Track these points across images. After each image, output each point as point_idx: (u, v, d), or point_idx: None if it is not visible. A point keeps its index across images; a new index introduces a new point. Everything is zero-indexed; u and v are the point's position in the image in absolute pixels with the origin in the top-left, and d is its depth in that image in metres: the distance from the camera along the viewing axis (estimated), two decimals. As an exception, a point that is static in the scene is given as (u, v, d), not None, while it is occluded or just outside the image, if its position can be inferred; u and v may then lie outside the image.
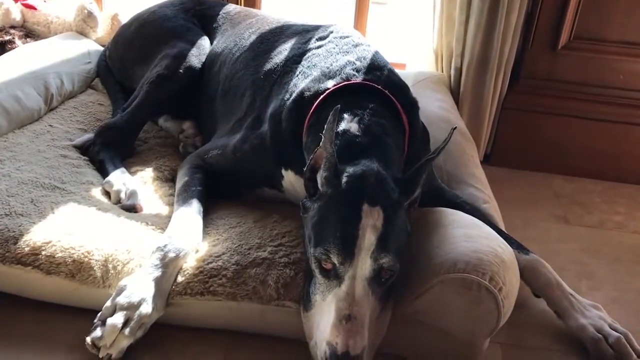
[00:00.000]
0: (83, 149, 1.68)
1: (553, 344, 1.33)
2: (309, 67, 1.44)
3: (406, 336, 1.22)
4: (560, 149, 2.08)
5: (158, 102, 1.77)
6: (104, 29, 2.30)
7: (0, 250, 1.25)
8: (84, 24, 2.20)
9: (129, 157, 1.69)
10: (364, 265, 1.08)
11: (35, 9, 2.27)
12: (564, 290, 1.33)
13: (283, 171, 1.41)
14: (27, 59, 1.92)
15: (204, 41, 1.87)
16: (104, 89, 2.03)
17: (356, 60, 1.41)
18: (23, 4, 2.26)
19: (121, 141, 1.69)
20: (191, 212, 1.35)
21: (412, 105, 1.43)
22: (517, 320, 1.30)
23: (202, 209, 1.38)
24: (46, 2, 2.32)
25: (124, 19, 2.32)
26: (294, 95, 1.37)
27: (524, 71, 2.03)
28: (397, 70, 2.01)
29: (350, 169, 1.16)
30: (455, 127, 1.25)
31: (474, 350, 1.25)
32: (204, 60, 1.82)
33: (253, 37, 1.76)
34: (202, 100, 1.80)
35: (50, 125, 1.77)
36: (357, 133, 1.23)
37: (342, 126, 1.24)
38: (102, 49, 2.16)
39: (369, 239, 1.08)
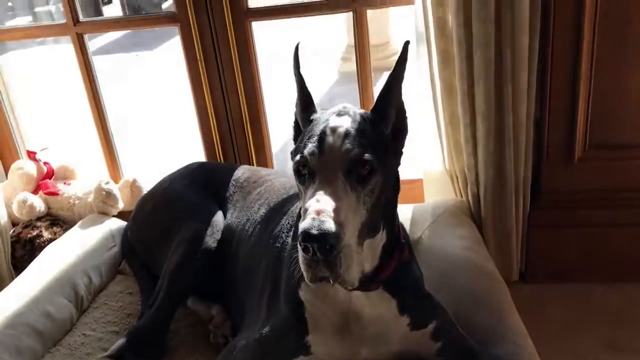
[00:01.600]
0: (117, 356, 1.71)
1: None
2: None
3: None
4: (595, 258, 2.00)
5: (180, 292, 1.78)
6: (123, 199, 2.36)
7: None
8: (104, 205, 2.26)
9: (162, 357, 1.70)
10: (334, 154, 1.14)
11: (57, 194, 2.35)
12: None
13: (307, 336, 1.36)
14: (52, 263, 1.97)
15: (218, 217, 1.88)
16: (131, 271, 2.07)
17: None
18: (45, 193, 2.34)
19: (152, 344, 1.70)
20: None
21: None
22: None
23: None
24: (68, 184, 2.40)
25: (143, 182, 2.39)
26: None
27: (544, 187, 1.97)
28: (413, 205, 1.99)
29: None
30: (408, 41, 1.27)
31: None
32: (219, 237, 1.83)
33: (263, 209, 1.77)
34: (225, 280, 1.80)
35: (83, 335, 1.79)
36: None
37: None
38: (124, 224, 2.20)
39: (337, 135, 1.15)
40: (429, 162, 2.16)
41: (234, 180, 1.99)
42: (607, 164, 1.91)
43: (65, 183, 2.41)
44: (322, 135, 1.17)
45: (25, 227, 2.25)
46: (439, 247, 1.86)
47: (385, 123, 1.24)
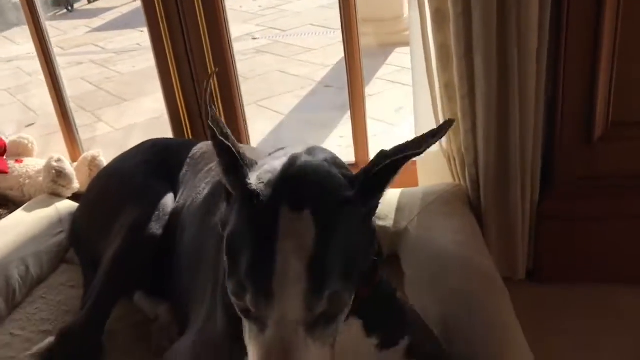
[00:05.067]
0: (44, 357, 1.47)
1: None
2: None
3: None
4: (616, 255, 1.68)
5: (120, 285, 1.54)
6: (80, 178, 2.09)
7: None
8: (54, 185, 2.00)
9: (96, 360, 1.46)
10: (293, 308, 0.76)
11: (6, 172, 2.11)
12: None
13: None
14: (-15, 251, 1.73)
15: (167, 198, 1.63)
16: (78, 259, 1.82)
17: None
18: (-7, 169, 2.10)
19: (85, 345, 1.46)
20: None
21: None
22: None
23: None
24: (20, 162, 2.15)
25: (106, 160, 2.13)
26: None
27: (557, 172, 1.66)
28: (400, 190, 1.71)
29: (265, 162, 0.87)
30: (453, 120, 0.90)
31: None
32: (166, 222, 1.58)
33: (207, 189, 1.51)
34: (172, 272, 1.56)
35: (10, 334, 1.55)
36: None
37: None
38: (76, 206, 1.95)
39: (292, 271, 0.75)
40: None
41: (190, 158, 1.74)
42: (632, 145, 1.59)
43: (17, 160, 2.16)
44: (270, 265, 0.76)
45: (-32, 207, 2.01)
46: (427, 241, 1.57)
47: (367, 205, 0.86)
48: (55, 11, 8.29)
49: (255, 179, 0.83)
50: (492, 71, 1.52)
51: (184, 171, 1.70)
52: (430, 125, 1.76)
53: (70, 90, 4.33)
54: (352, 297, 0.83)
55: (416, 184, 1.91)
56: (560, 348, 1.52)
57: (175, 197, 1.66)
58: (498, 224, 1.70)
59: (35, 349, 1.49)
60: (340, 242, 0.79)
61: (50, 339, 1.49)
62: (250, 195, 0.81)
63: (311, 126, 3.58)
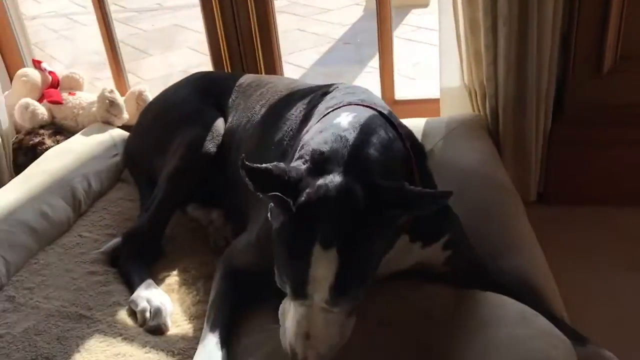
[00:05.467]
0: (112, 257, 1.67)
1: None
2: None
3: None
4: (622, 179, 1.86)
5: (178, 196, 1.73)
6: (129, 111, 2.29)
7: (27, 402, 1.24)
8: (107, 114, 2.19)
9: (157, 259, 1.65)
10: (319, 303, 1.03)
11: (61, 103, 2.29)
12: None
13: None
14: (52, 166, 1.92)
15: (219, 122, 1.80)
16: (133, 179, 2.02)
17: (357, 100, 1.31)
18: (49, 100, 2.29)
19: (147, 246, 1.65)
20: (216, 342, 1.28)
21: (419, 149, 1.33)
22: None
23: (228, 334, 1.32)
24: (73, 95, 2.34)
25: (152, 94, 2.31)
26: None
27: (568, 101, 1.84)
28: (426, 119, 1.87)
29: (307, 183, 1.04)
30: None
31: None
32: (219, 142, 1.76)
33: (263, 110, 1.69)
34: (226, 184, 1.74)
35: (79, 236, 1.75)
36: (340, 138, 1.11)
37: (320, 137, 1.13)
38: (127, 134, 2.14)
39: (320, 288, 1.01)
40: (447, 78, 2.03)
41: (237, 87, 1.91)
42: (638, 77, 1.76)
43: (70, 93, 2.34)
44: (304, 278, 1.00)
45: (28, 134, 2.20)
46: (451, 159, 1.75)
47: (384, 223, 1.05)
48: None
49: (296, 207, 1.01)
50: (514, 8, 1.69)
51: (233, 98, 1.87)
52: (454, 60, 1.94)
53: (97, 44, 4.52)
54: (367, 289, 1.06)
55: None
56: (564, 256, 1.70)
57: (225, 121, 1.83)
58: (514, 150, 1.88)
59: (104, 247, 1.69)
60: (359, 264, 1.02)
61: (116, 240, 1.69)
62: (293, 217, 1.02)
63: (332, 79, 3.74)
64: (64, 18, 5.63)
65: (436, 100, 2.14)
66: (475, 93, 1.94)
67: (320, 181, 1.03)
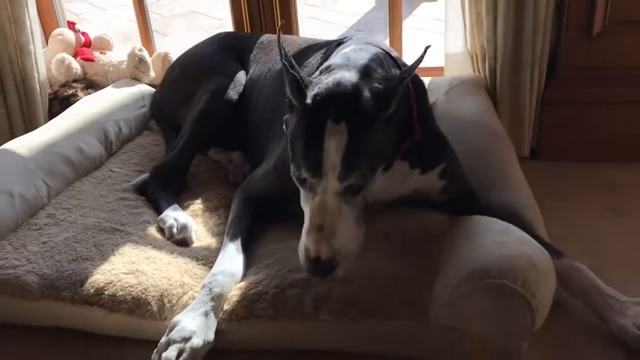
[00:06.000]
0: (141, 188, 1.84)
1: (597, 346, 1.32)
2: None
3: (434, 341, 1.25)
4: (609, 136, 2.03)
5: (202, 137, 1.90)
6: (155, 70, 2.47)
7: (70, 292, 1.40)
8: (136, 70, 2.38)
9: (182, 192, 1.81)
10: (332, 182, 1.15)
11: (93, 60, 2.48)
12: (602, 292, 1.32)
13: None
14: (87, 111, 2.10)
15: (241, 74, 1.98)
16: (159, 128, 2.19)
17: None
18: (82, 58, 2.47)
19: (173, 179, 1.82)
20: (236, 249, 1.44)
21: (420, 85, 1.46)
22: (559, 322, 1.31)
23: (246, 244, 1.47)
24: (104, 54, 2.52)
25: (175, 56, 2.49)
26: None
27: (560, 63, 2.00)
28: (430, 78, 2.03)
29: (319, 81, 1.21)
30: (429, 46, 1.23)
31: (509, 354, 1.26)
32: (241, 91, 1.93)
33: None
34: (246, 129, 1.91)
35: (111, 171, 1.93)
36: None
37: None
38: (154, 90, 2.32)
39: (332, 160, 1.14)
40: (451, 44, 2.20)
41: (258, 44, 2.08)
42: (625, 40, 1.92)
43: (101, 52, 2.53)
44: (318, 155, 1.15)
45: (62, 86, 2.38)
46: (451, 110, 1.92)
47: (386, 110, 1.21)
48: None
49: (310, 98, 1.19)
50: (512, -27, 1.86)
51: (254, 53, 2.04)
52: (459, 27, 2.11)
53: (118, 26, 4.71)
54: (373, 178, 1.21)
55: (443, 78, 2.26)
56: (551, 203, 1.84)
57: (247, 74, 1.99)
58: (510, 108, 2.05)
59: (134, 180, 1.86)
60: (364, 142, 1.16)
61: (145, 175, 1.86)
62: (307, 109, 1.19)
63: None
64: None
65: (440, 69, 2.32)
66: (477, 56, 2.11)
67: (329, 77, 1.21)
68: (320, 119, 1.16)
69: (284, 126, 1.30)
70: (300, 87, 1.21)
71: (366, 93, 1.19)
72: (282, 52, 1.23)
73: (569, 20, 1.93)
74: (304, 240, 1.19)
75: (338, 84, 1.19)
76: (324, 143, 1.14)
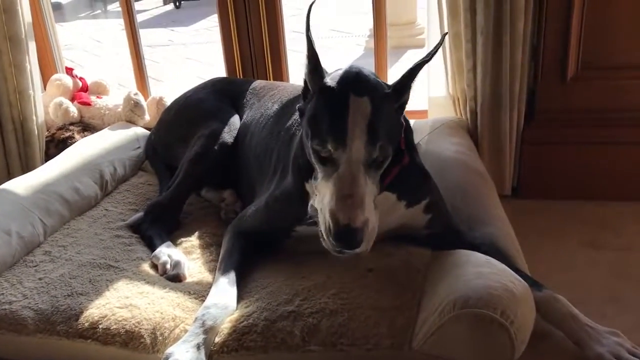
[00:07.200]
0: (135, 227, 1.89)
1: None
2: None
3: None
4: (585, 176, 2.11)
5: (197, 177, 1.96)
6: (150, 114, 2.55)
7: (65, 327, 1.44)
8: (132, 114, 2.46)
9: (175, 230, 1.87)
10: (358, 151, 1.21)
11: (90, 104, 2.56)
12: (579, 321, 1.37)
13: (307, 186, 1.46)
14: (83, 152, 2.17)
15: (235, 118, 2.06)
16: (153, 169, 2.26)
17: None
18: (79, 102, 2.56)
19: (167, 216, 1.88)
20: (227, 282, 1.49)
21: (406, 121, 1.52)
22: (540, 351, 1.35)
23: (237, 278, 1.51)
24: (100, 98, 2.61)
25: (169, 100, 2.58)
26: None
27: (538, 105, 2.10)
28: (413, 121, 2.12)
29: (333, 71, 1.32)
30: (447, 33, 1.37)
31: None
32: (235, 135, 2.01)
33: (275, 106, 1.95)
34: (239, 170, 1.98)
35: (106, 210, 1.99)
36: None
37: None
38: (148, 133, 2.40)
39: (359, 128, 1.20)
40: (434, 88, 2.31)
41: (250, 89, 2.17)
42: (598, 84, 2.03)
43: (97, 96, 2.61)
44: (344, 126, 1.21)
45: (60, 129, 2.46)
46: (434, 151, 2.00)
47: (398, 100, 1.33)
48: (89, 11, 8.97)
49: (329, 79, 1.30)
50: (489, 21, 1.97)
51: (247, 98, 2.13)
52: (441, 72, 2.22)
53: (114, 72, 4.83)
54: (392, 153, 1.29)
55: (426, 121, 2.35)
56: (531, 239, 1.89)
57: (240, 119, 2.08)
58: (491, 148, 2.14)
59: (129, 220, 1.91)
60: (385, 117, 1.26)
61: (139, 214, 1.92)
62: (327, 88, 1.28)
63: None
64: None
65: (424, 112, 2.42)
66: (458, 99, 2.21)
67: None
68: (343, 95, 1.24)
69: (297, 115, 1.38)
70: (317, 64, 1.29)
71: (377, 79, 1.30)
72: (307, 24, 1.30)
73: (545, 64, 2.04)
74: (332, 205, 1.21)
75: (355, 68, 1.30)
76: (348, 116, 1.22)
